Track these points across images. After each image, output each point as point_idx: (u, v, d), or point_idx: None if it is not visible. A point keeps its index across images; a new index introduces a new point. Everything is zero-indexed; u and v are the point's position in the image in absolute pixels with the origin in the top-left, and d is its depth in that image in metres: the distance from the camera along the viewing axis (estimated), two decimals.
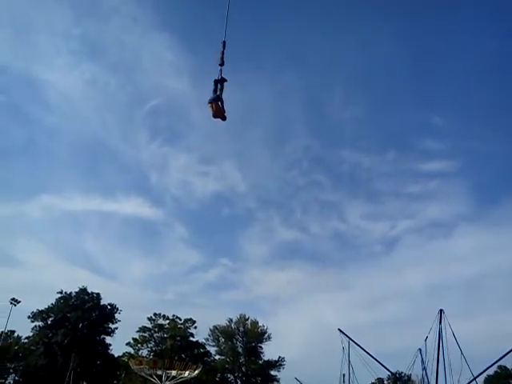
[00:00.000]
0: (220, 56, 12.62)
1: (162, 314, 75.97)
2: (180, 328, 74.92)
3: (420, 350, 67.68)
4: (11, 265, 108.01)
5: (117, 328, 73.09)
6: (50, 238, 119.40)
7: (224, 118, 12.38)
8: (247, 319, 78.22)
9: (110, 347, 72.85)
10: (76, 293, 72.00)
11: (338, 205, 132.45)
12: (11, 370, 66.28)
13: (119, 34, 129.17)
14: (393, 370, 70.45)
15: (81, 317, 69.36)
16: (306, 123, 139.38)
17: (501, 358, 61.47)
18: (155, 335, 75.09)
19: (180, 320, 75.89)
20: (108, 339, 72.89)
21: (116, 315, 73.48)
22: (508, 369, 75.57)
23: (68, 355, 63.92)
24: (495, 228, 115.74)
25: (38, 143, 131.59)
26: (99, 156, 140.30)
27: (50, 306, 70.03)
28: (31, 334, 68.43)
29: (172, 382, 52.57)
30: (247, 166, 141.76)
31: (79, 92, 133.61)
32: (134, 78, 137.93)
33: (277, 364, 77.72)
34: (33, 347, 66.36)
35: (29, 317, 68.43)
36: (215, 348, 78.15)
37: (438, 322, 65.19)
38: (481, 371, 57.72)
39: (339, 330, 67.00)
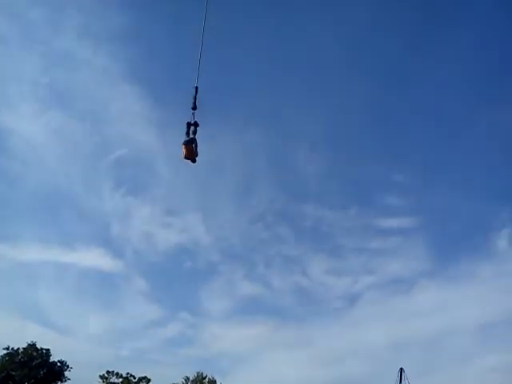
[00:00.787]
0: (192, 101, 13.41)
1: (115, 372, 72.47)
2: None
3: None
4: None
5: None
6: (0, 290, 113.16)
7: (194, 161, 13.07)
8: (205, 377, 75.41)
9: None
10: (24, 349, 67.90)
11: (300, 259, 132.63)
12: None
13: (88, 84, 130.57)
14: None
15: (27, 375, 65.24)
16: (272, 177, 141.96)
17: None
18: None
19: (134, 378, 72.47)
20: None
21: (66, 373, 69.83)
22: None
23: None
24: (454, 284, 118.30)
25: None
26: (60, 205, 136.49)
27: None
28: None
29: None
30: (211, 218, 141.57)
31: (44, 140, 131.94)
32: (100, 128, 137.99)
33: None
34: None
35: None
36: None
37: (398, 381, 65.43)
38: None
39: None
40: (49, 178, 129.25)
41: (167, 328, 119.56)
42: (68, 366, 70.25)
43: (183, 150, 12.94)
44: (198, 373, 76.07)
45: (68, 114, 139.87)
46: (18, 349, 67.84)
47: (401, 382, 65.11)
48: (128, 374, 72.78)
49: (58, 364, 69.71)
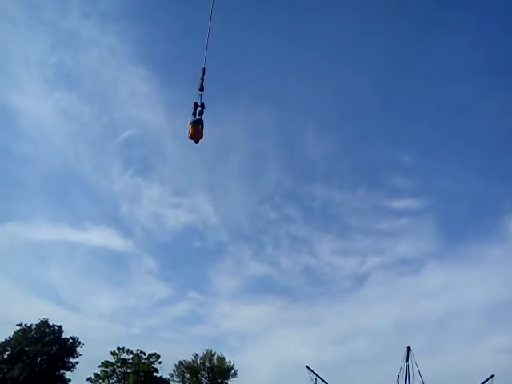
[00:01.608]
0: (200, 82, 13.21)
1: (125, 349, 73.90)
2: (144, 363, 72.95)
3: None
4: None
5: (78, 362, 70.78)
6: (13, 268, 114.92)
7: (197, 142, 12.90)
8: (213, 355, 76.82)
9: (69, 383, 70.32)
10: (36, 325, 69.42)
11: (308, 240, 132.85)
12: None
13: (96, 65, 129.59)
14: None
15: (40, 351, 66.69)
16: (280, 158, 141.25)
17: None
18: (118, 370, 72.79)
19: (144, 355, 73.95)
20: (68, 374, 70.37)
21: (78, 349, 71.19)
22: None
23: None
24: (463, 266, 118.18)
25: (7, 171, 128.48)
26: (69, 185, 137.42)
27: (8, 338, 67.23)
28: None
29: None
30: (220, 199, 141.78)
31: (52, 121, 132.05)
32: (108, 109, 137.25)
33: None
34: None
35: None
36: None
37: (405, 359, 65.91)
38: None
39: (307, 366, 66.56)
40: (58, 159, 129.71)
41: (177, 306, 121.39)
42: (80, 343, 71.59)
43: (190, 129, 12.79)
44: (206, 350, 77.60)
45: (76, 95, 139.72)
46: (31, 325, 69.30)
47: (407, 361, 65.66)
48: (138, 350, 74.34)
49: (70, 340, 71.04)
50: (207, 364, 76.26)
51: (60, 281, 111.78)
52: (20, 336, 67.63)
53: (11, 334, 67.68)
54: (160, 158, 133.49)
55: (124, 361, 73.22)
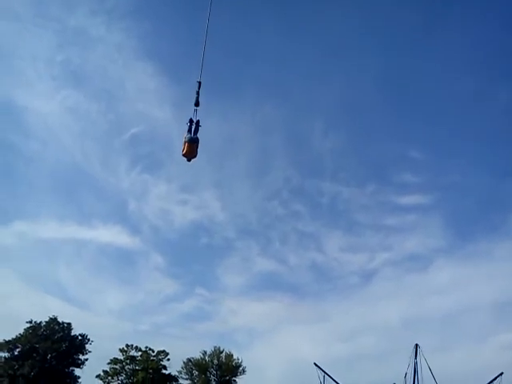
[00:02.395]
0: (195, 96, 12.42)
1: (134, 346, 74.17)
2: (152, 360, 73.19)
3: None
4: None
5: (87, 359, 71.38)
6: (22, 266, 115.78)
7: (190, 160, 12.57)
8: (222, 352, 76.94)
9: (79, 380, 70.88)
10: (46, 322, 69.90)
11: (316, 236, 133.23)
12: None
13: (102, 62, 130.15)
14: None
15: (50, 347, 67.14)
16: (287, 154, 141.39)
17: None
18: (127, 367, 73.07)
19: (153, 352, 74.15)
20: (77, 371, 70.98)
21: (87, 346, 71.68)
22: None
23: None
24: (472, 262, 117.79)
25: (15, 169, 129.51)
26: (77, 183, 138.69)
27: (18, 336, 67.62)
28: None
29: None
30: (227, 195, 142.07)
31: (60, 119, 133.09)
32: (115, 106, 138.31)
33: None
34: None
35: None
36: (188, 381, 76.32)
37: (413, 356, 65.82)
38: None
39: (315, 364, 66.76)
40: (65, 157, 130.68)
41: (184, 303, 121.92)
42: (89, 340, 72.02)
43: (185, 148, 12.30)
44: (215, 347, 77.73)
45: (83, 92, 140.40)
46: (41, 322, 69.77)
47: (416, 357, 65.60)
48: (147, 347, 74.56)
49: (80, 337, 71.44)
50: (215, 361, 76.40)
51: (69, 278, 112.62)
52: (30, 333, 68.05)
53: (21, 331, 68.22)
54: (167, 155, 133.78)
55: (133, 358, 73.50)
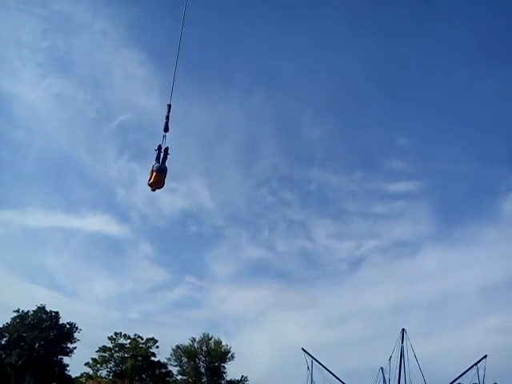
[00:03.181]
0: (165, 121, 11.59)
1: (123, 334, 74.36)
2: (141, 348, 73.52)
3: (382, 368, 68.89)
4: None
5: (75, 348, 71.43)
6: (9, 255, 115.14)
7: (154, 190, 11.66)
8: (210, 338, 77.39)
9: (68, 368, 71.11)
10: (33, 311, 69.82)
11: (305, 223, 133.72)
12: None
13: (88, 49, 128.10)
14: None
15: (37, 336, 67.13)
16: (276, 142, 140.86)
17: (459, 377, 63.49)
18: (115, 355, 73.24)
19: (142, 339, 74.46)
20: (66, 359, 71.14)
21: (75, 334, 71.78)
22: None
23: (22, 377, 61.76)
24: (459, 247, 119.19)
25: (1, 158, 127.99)
26: (64, 171, 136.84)
27: (5, 325, 67.61)
28: None
29: None
30: (216, 183, 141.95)
31: (46, 106, 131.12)
32: (102, 94, 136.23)
33: None
34: None
35: None
36: (177, 368, 76.88)
37: (400, 341, 66.73)
38: None
39: (303, 349, 67.44)
40: (52, 145, 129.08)
41: (174, 291, 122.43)
42: (77, 328, 72.09)
43: (153, 177, 11.31)
44: (203, 334, 78.17)
45: (69, 80, 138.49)
46: (28, 311, 69.70)
47: (402, 342, 66.51)
48: (136, 335, 74.81)
49: (68, 326, 71.46)
50: (204, 348, 76.86)
51: (57, 267, 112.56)
52: (17, 322, 68.02)
53: (8, 320, 68.23)
54: (155, 143, 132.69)
55: (121, 346, 73.69)
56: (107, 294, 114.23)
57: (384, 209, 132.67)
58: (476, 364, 62.07)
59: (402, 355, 65.91)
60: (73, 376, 71.19)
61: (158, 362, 75.00)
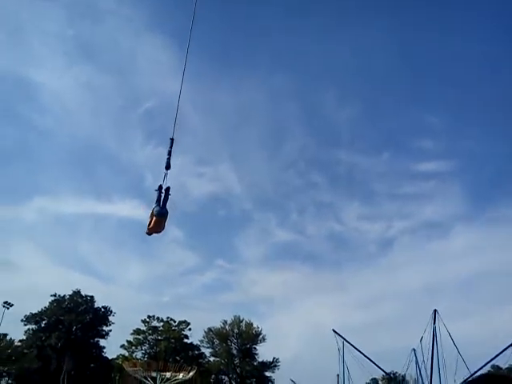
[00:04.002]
0: (167, 157, 10.50)
1: (156, 317, 75.88)
2: (174, 330, 74.85)
3: (414, 350, 68.03)
4: (4, 268, 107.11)
5: (111, 330, 73.32)
6: (44, 241, 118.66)
7: (151, 234, 10.47)
8: (242, 321, 78.20)
9: (104, 350, 73.15)
10: (70, 296, 71.83)
11: (334, 206, 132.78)
12: (4, 374, 65.81)
13: (114, 36, 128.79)
14: (387, 370, 70.64)
15: (74, 320, 69.08)
16: (302, 124, 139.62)
17: (494, 358, 61.94)
18: (149, 337, 74.96)
19: (174, 322, 75.83)
20: (102, 342, 73.05)
21: (110, 318, 73.56)
22: (501, 368, 75.89)
23: (61, 358, 63.79)
24: (491, 228, 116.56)
25: (31, 146, 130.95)
26: (93, 158, 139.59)
27: (44, 309, 69.84)
28: (24, 338, 68.00)
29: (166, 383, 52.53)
30: (243, 167, 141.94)
31: (73, 94, 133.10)
32: (128, 80, 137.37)
33: (271, 365, 77.72)
34: (26, 350, 65.87)
35: (22, 320, 68.36)
36: (210, 350, 78.22)
37: (432, 322, 65.73)
38: (474, 371, 57.95)
39: (333, 330, 67.16)
40: (81, 132, 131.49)
41: (204, 275, 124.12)
42: (112, 311, 73.85)
43: (153, 222, 10.24)
44: (234, 316, 78.97)
45: (95, 67, 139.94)
46: (65, 296, 71.67)
47: (434, 323, 65.51)
48: (168, 318, 76.27)
49: (103, 309, 73.21)
50: (236, 330, 77.73)
51: (90, 253, 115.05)
52: (55, 306, 70.06)
53: (46, 304, 70.33)
54: (182, 128, 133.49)
55: (155, 328, 75.24)
56: (139, 278, 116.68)
57: (414, 189, 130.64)
58: (504, 351, 60.46)
59: (434, 336, 65.01)
60: (109, 358, 73.18)
61: (191, 344, 76.40)
